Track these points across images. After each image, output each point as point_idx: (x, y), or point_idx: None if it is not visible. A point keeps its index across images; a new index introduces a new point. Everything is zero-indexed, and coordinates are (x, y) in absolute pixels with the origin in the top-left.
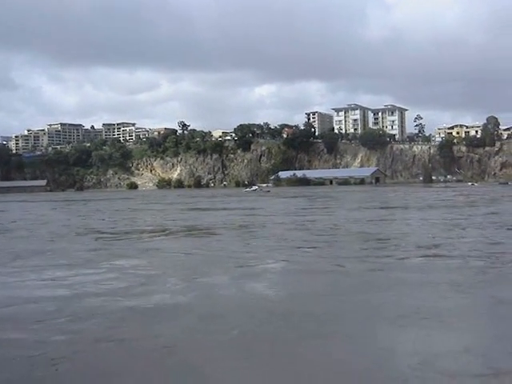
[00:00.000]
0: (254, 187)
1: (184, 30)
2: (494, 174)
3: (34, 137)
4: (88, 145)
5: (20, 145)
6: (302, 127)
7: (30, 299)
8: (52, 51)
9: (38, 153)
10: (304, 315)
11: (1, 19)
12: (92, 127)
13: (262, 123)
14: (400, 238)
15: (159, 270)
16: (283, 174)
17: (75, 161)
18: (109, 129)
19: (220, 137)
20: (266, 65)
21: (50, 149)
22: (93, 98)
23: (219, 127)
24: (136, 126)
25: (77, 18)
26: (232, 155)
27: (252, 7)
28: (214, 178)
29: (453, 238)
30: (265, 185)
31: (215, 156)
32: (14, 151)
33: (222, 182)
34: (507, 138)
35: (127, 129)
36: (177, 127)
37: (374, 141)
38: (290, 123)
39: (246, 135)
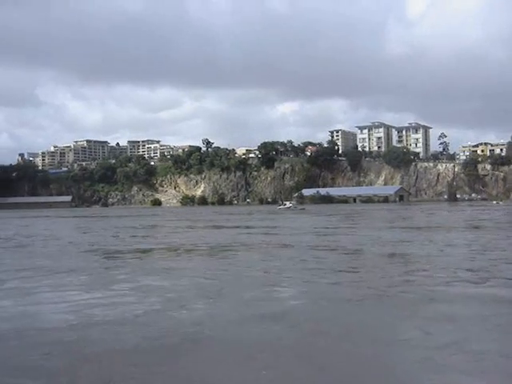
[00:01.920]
0: (289, 204)
1: (205, 48)
2: None
3: (60, 153)
4: (113, 161)
5: (46, 161)
6: (326, 145)
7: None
8: (75, 69)
9: (64, 169)
10: None
11: (27, 38)
12: (117, 144)
13: (285, 141)
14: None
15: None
16: (306, 192)
17: (100, 177)
18: (134, 146)
19: (244, 154)
20: (287, 82)
21: (75, 165)
22: (116, 116)
23: (242, 145)
24: (160, 143)
25: (98, 36)
26: (255, 173)
27: (273, 25)
28: (238, 195)
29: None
30: (290, 202)
31: (239, 173)
32: (40, 167)
33: (245, 200)
34: None
35: (152, 146)
36: (200, 144)
37: (398, 159)
38: (313, 141)
39: (270, 153)
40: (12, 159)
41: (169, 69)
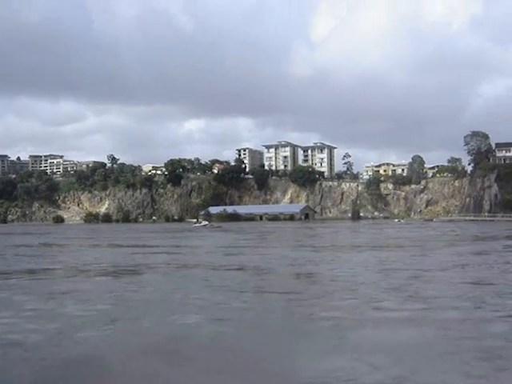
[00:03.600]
0: (204, 222)
1: (110, 63)
2: (420, 211)
3: None
4: (13, 176)
5: None
6: (233, 163)
7: None
8: None
9: None
10: None
11: None
12: (18, 158)
13: (192, 158)
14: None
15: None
16: (213, 210)
17: (0, 192)
18: (35, 160)
19: (150, 171)
20: (193, 100)
21: None
22: (15, 128)
23: (149, 161)
24: (64, 158)
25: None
26: (162, 190)
27: (178, 42)
28: (143, 212)
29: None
30: (203, 220)
31: (144, 190)
32: None
33: (151, 217)
34: (432, 176)
35: (54, 161)
36: (106, 160)
37: (304, 178)
38: (219, 158)
39: (177, 170)
40: None
41: (71, 82)
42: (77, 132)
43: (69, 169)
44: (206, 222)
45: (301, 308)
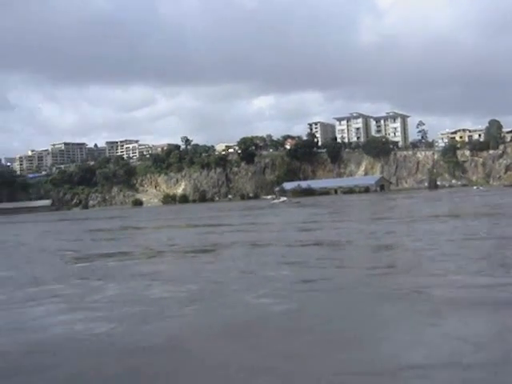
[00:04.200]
0: (283, 198)
1: (177, 46)
2: (499, 177)
3: (38, 157)
4: (92, 163)
5: (24, 165)
6: (305, 137)
7: None
8: (46, 71)
9: (43, 173)
10: None
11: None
12: (95, 145)
13: (264, 135)
14: None
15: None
16: (288, 186)
17: (80, 179)
18: (112, 146)
19: (223, 150)
20: (261, 76)
21: (54, 168)
22: (90, 117)
23: (221, 141)
24: (139, 142)
25: (67, 35)
26: (236, 168)
27: (243, 18)
28: (219, 191)
29: None
30: (280, 197)
31: (219, 170)
32: (18, 172)
33: (226, 196)
34: (511, 140)
35: (130, 146)
36: (179, 142)
37: (378, 148)
38: (291, 134)
39: (249, 148)
40: None
41: (140, 67)
42: (149, 116)
43: (144, 153)
44: (285, 198)
45: (387, 282)
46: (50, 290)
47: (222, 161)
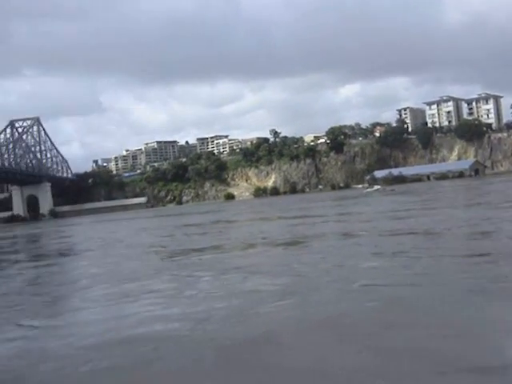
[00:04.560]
0: (376, 186)
1: (260, 39)
2: None
3: (132, 156)
4: (184, 160)
5: (119, 165)
6: (394, 124)
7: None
8: (134, 73)
9: (138, 171)
10: None
11: (85, 49)
12: (186, 142)
13: (352, 124)
14: None
15: None
16: (378, 174)
17: (173, 176)
18: (203, 142)
19: (312, 141)
20: (346, 65)
21: (148, 167)
22: (180, 114)
23: (310, 131)
24: (229, 137)
25: (152, 37)
26: (325, 158)
27: (324, 7)
28: (309, 182)
29: None
30: (375, 187)
31: (308, 161)
32: (114, 172)
33: (317, 186)
34: None
35: (220, 141)
36: (268, 135)
37: (470, 132)
38: (379, 121)
39: (338, 137)
40: (86, 166)
41: (226, 63)
42: (237, 111)
43: (234, 147)
44: (378, 187)
45: (490, 274)
46: (147, 285)
47: (311, 151)
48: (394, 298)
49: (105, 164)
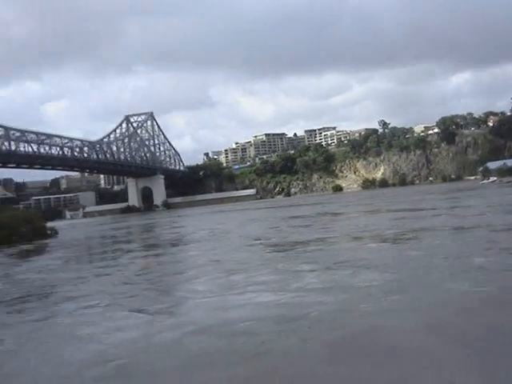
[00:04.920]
0: (492, 178)
1: (367, 29)
2: None
3: (242, 149)
4: (292, 152)
5: (229, 158)
6: (509, 113)
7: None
8: (243, 66)
9: (247, 163)
10: None
11: (194, 44)
12: (294, 135)
13: (464, 113)
14: None
15: None
16: (492, 165)
17: (281, 168)
18: (310, 134)
19: (422, 132)
20: (455, 53)
21: (257, 159)
22: (287, 107)
23: (419, 122)
24: (337, 129)
25: (260, 30)
26: (436, 149)
27: None
28: (419, 174)
29: None
30: (491, 178)
31: (418, 152)
32: (224, 164)
33: (427, 178)
34: None
35: (328, 133)
36: (376, 126)
37: None
38: (493, 110)
39: (449, 127)
40: (197, 159)
41: (332, 54)
42: (345, 102)
43: (342, 139)
44: (494, 178)
45: None
46: (253, 277)
47: (422, 142)
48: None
49: (215, 157)
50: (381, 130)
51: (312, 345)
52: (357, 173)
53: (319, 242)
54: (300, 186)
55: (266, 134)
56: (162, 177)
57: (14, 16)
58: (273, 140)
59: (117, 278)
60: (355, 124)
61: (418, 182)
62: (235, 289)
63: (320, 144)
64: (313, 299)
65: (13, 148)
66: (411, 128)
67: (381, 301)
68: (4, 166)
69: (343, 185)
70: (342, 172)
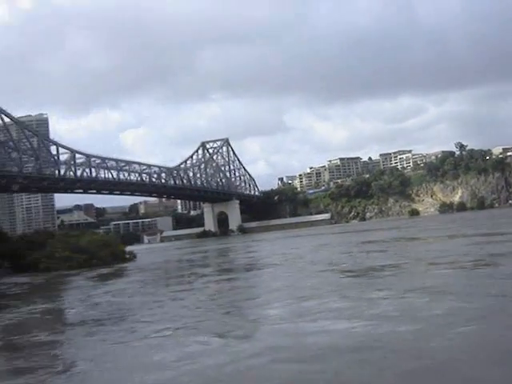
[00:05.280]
0: None
1: (440, 51)
2: None
3: (316, 173)
4: (367, 176)
5: (304, 182)
6: None
7: None
8: (315, 91)
9: (322, 188)
10: None
11: (269, 71)
12: (369, 158)
13: None
14: None
15: None
16: None
17: (356, 192)
18: (385, 158)
19: (500, 153)
20: None
21: (331, 183)
22: (360, 131)
23: (498, 144)
24: (412, 152)
25: (331, 55)
26: None
27: (501, 10)
28: (498, 197)
29: None
30: None
31: (497, 174)
32: (298, 189)
33: (507, 201)
34: None
35: (403, 156)
36: (453, 148)
37: None
38: None
39: None
40: (271, 184)
41: (406, 77)
42: (420, 125)
43: (418, 162)
44: None
45: None
46: (325, 303)
47: (500, 164)
48: None
49: (290, 181)
50: (458, 153)
51: (388, 375)
52: (434, 196)
53: (393, 267)
54: (375, 211)
55: (341, 159)
56: (238, 202)
57: (95, 48)
58: (347, 164)
59: (191, 302)
60: (431, 147)
61: (497, 205)
62: (308, 315)
63: (395, 167)
64: (388, 328)
65: (94, 175)
66: (489, 150)
67: (458, 331)
68: (85, 192)
69: (420, 209)
70: (419, 196)
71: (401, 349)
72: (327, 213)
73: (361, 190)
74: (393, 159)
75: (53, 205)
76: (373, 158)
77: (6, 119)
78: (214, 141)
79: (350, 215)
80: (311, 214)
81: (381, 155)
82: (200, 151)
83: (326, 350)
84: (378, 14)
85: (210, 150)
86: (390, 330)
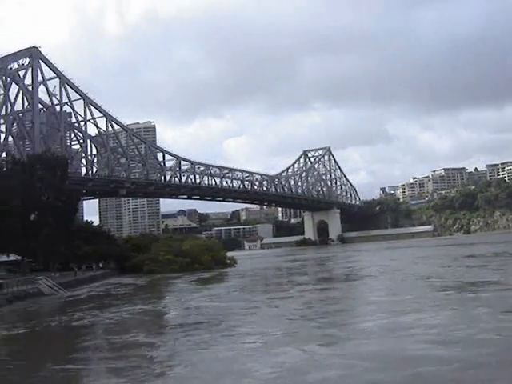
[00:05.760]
0: None
1: None
2: None
3: (419, 184)
4: (473, 187)
5: (406, 193)
6: None
7: None
8: (419, 100)
9: (425, 198)
10: None
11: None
12: (475, 169)
13: None
14: None
15: None
16: None
17: (461, 204)
18: (493, 169)
19: None
20: None
21: (435, 194)
22: (465, 141)
23: None
24: None
25: (436, 64)
26: None
27: None
28: None
29: None
30: None
31: None
32: (401, 199)
33: None
34: None
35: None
36: None
37: None
38: None
39: None
40: (372, 194)
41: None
42: None
43: None
44: None
45: None
46: (423, 319)
47: None
48: None
49: (392, 192)
50: None
51: None
52: None
53: (494, 284)
54: (481, 224)
55: (445, 169)
56: (338, 211)
57: (200, 59)
58: (452, 175)
59: (286, 310)
60: None
61: None
62: (403, 330)
63: (503, 179)
64: (491, 349)
65: (197, 181)
66: None
67: None
68: (189, 198)
69: None
70: None
71: (502, 375)
72: (430, 224)
73: (466, 201)
74: (500, 170)
75: (158, 209)
76: (479, 169)
77: (116, 126)
78: (316, 150)
79: (454, 228)
80: (413, 225)
81: (487, 166)
82: (301, 160)
83: (428, 367)
84: (483, 22)
85: (312, 159)
86: (493, 352)
